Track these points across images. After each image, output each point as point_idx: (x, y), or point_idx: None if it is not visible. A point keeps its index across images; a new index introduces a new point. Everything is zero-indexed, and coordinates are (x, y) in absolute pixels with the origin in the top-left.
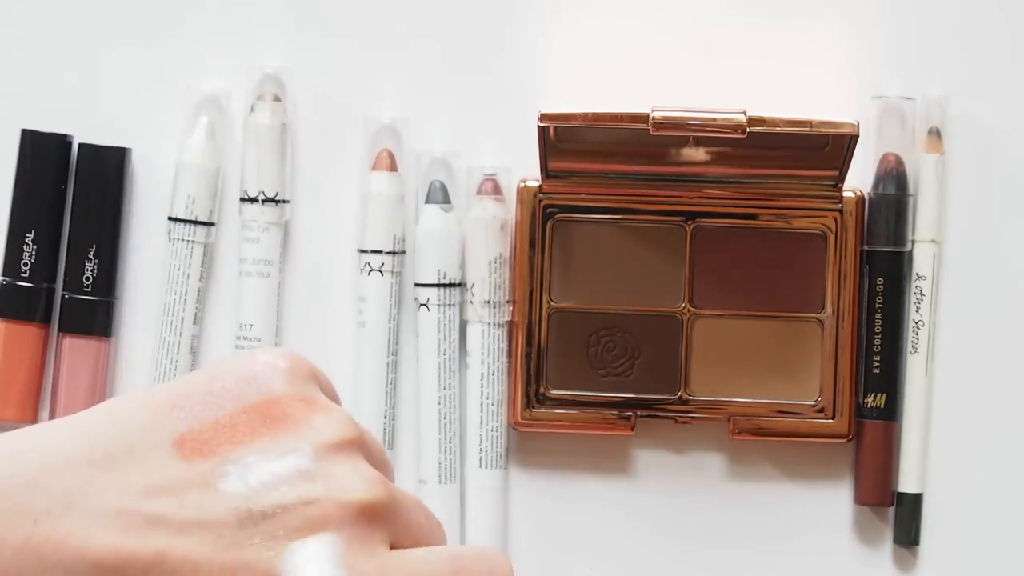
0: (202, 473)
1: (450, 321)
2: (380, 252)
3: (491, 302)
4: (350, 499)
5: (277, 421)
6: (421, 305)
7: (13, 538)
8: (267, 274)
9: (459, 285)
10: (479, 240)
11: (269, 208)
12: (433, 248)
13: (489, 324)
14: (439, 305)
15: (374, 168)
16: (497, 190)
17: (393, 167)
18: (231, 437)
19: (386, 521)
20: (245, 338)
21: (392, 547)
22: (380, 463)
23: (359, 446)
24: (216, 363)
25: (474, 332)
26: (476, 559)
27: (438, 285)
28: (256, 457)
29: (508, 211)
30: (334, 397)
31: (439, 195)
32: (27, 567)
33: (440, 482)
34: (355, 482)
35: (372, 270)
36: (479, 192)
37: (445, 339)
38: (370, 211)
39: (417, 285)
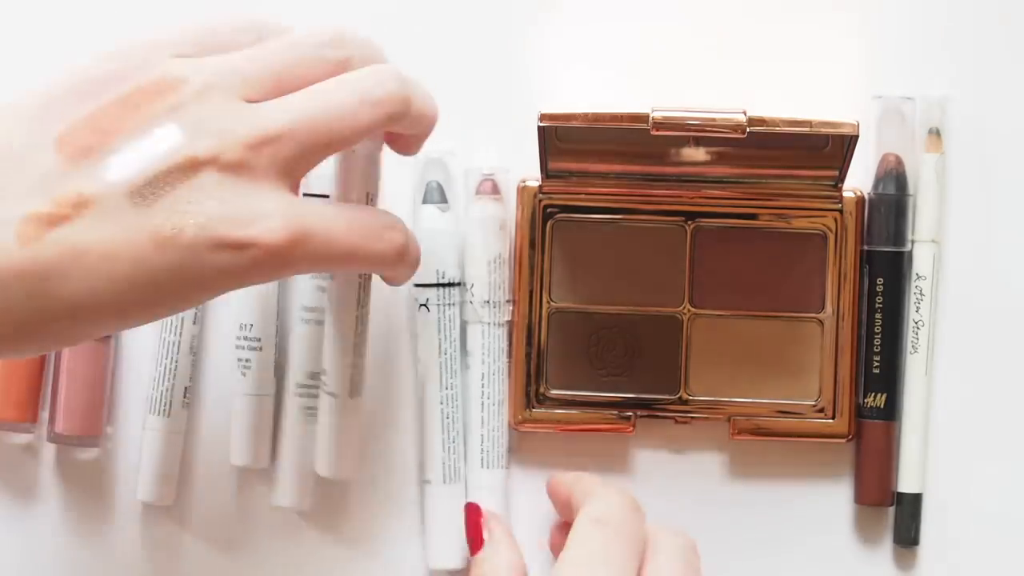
0: (89, 172)
1: (450, 321)
2: None
3: (491, 302)
4: (236, 141)
5: (137, 108)
6: (421, 306)
7: None
8: None
9: (458, 285)
10: (478, 240)
11: None
12: (431, 248)
13: (489, 324)
14: (439, 305)
15: None
16: (495, 190)
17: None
18: (104, 127)
19: (282, 153)
20: (245, 338)
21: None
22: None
23: (232, 89)
24: (74, 65)
25: (474, 332)
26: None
27: (437, 285)
28: (130, 140)
29: (507, 211)
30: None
31: (436, 195)
32: None
33: (444, 482)
34: (222, 126)
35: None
36: (478, 192)
37: (446, 339)
38: None
39: (417, 286)
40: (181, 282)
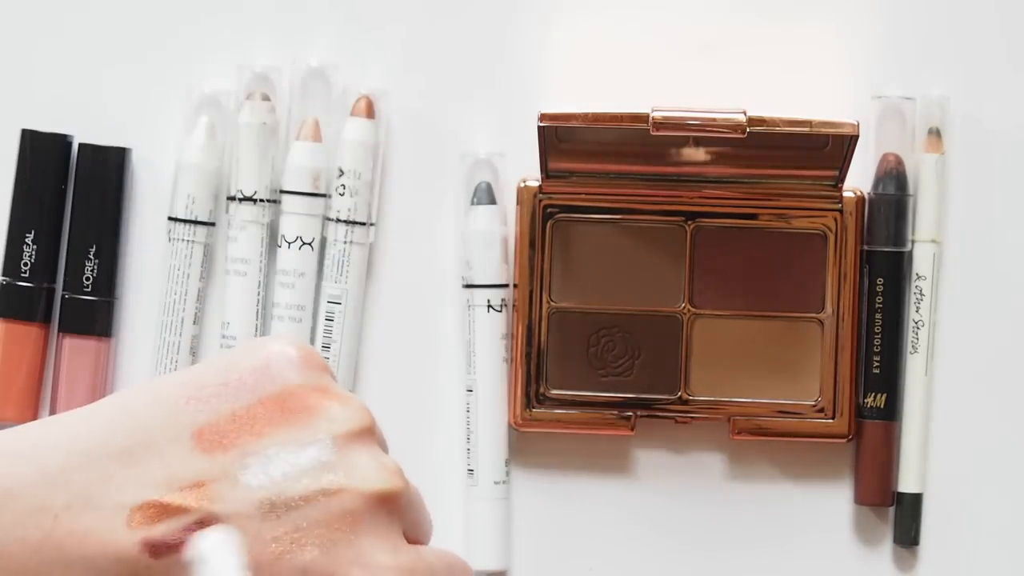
0: (223, 465)
1: (502, 321)
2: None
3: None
4: (371, 489)
5: (295, 412)
6: (479, 307)
7: (33, 535)
8: (244, 273)
9: (506, 286)
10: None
11: (247, 207)
12: (488, 249)
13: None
14: (498, 307)
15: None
16: (491, 196)
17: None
18: (250, 429)
19: (404, 511)
20: (224, 336)
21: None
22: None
23: (375, 435)
24: (228, 354)
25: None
26: (463, 567)
27: (493, 286)
28: (276, 449)
29: (505, 215)
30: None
31: (485, 196)
32: (47, 563)
33: (491, 484)
34: (376, 472)
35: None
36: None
37: (497, 339)
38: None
39: (470, 287)
40: None
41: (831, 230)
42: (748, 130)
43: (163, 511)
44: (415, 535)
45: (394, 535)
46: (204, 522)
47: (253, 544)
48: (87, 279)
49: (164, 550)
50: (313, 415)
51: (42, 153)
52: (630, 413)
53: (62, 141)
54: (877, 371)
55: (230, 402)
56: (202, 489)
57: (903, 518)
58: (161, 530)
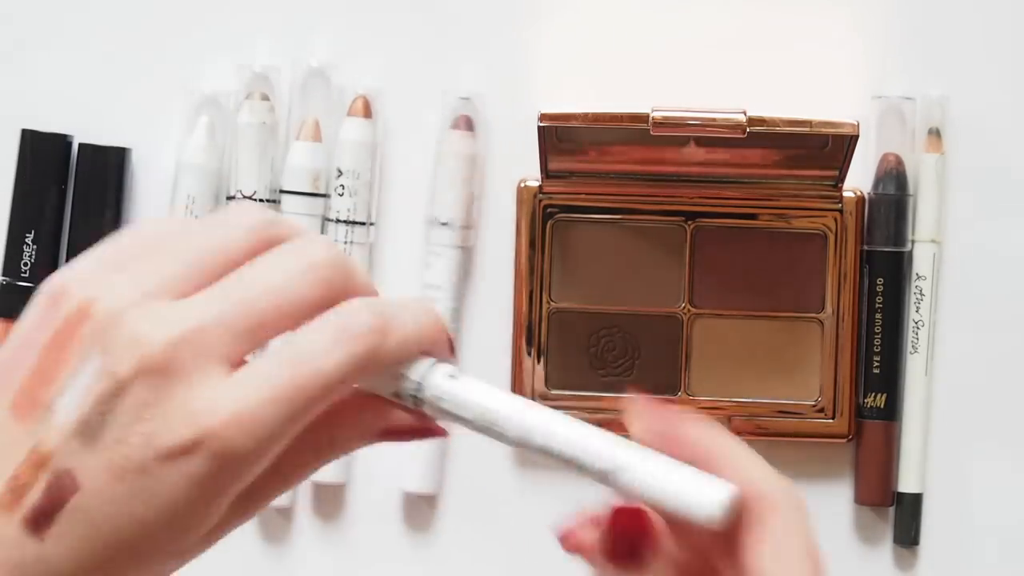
0: (42, 423)
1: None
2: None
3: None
4: (146, 355)
5: (65, 345)
6: None
7: None
8: None
9: None
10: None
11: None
12: None
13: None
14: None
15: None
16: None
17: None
18: (44, 379)
19: (202, 349)
20: None
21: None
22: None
23: (127, 310)
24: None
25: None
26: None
27: None
28: (69, 383)
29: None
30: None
31: None
32: None
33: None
34: (127, 346)
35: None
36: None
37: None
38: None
39: None
40: (159, 511)
41: (831, 230)
42: (748, 130)
43: (20, 488)
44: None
45: (201, 376)
46: (59, 483)
47: (99, 473)
48: None
49: (44, 518)
50: (79, 342)
51: (42, 153)
52: None
53: (62, 141)
54: (877, 371)
55: (25, 366)
56: (37, 455)
57: (903, 518)
58: (31, 502)
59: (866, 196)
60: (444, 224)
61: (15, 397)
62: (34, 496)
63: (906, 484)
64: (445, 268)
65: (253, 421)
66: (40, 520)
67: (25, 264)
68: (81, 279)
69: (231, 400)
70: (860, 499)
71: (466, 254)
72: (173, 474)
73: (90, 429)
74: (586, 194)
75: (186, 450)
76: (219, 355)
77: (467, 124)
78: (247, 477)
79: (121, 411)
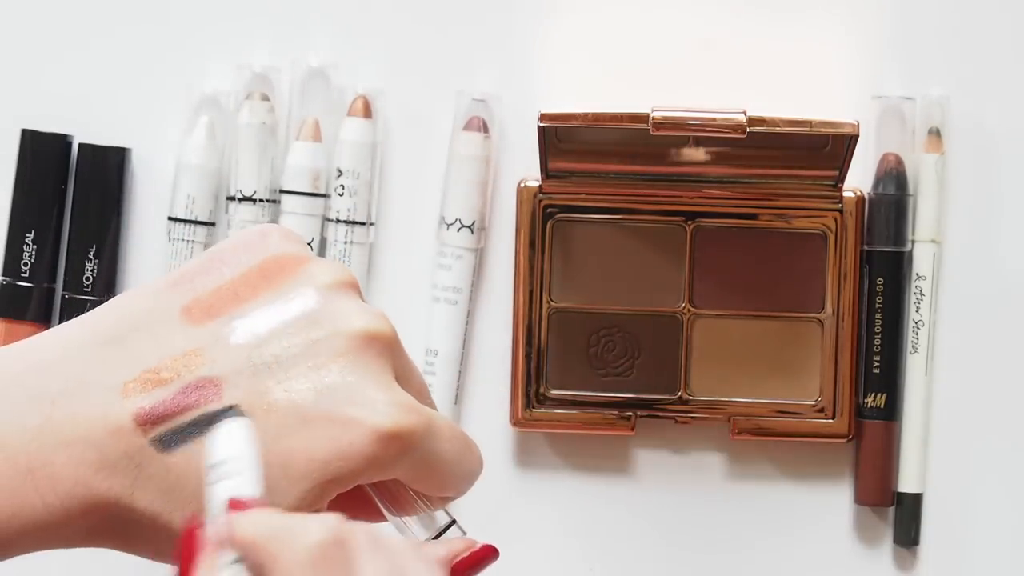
0: (212, 332)
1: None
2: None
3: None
4: (356, 329)
5: (276, 275)
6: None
7: (32, 421)
8: None
9: None
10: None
11: (246, 207)
12: None
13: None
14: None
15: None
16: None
17: None
18: (234, 298)
19: (393, 355)
20: None
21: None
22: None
23: (356, 288)
24: (214, 246)
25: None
26: (466, 436)
27: None
28: (261, 309)
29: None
30: None
31: None
32: (48, 447)
33: None
34: (359, 315)
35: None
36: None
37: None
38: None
39: None
40: (283, 460)
41: (831, 230)
42: (748, 130)
43: (156, 380)
44: (408, 387)
45: (385, 376)
46: (198, 385)
47: (248, 398)
48: (87, 279)
49: (158, 419)
50: (293, 275)
51: (42, 153)
52: (630, 413)
53: (62, 141)
54: (877, 371)
55: (214, 279)
56: (192, 356)
57: (903, 518)
58: (154, 398)
59: (866, 196)
60: (466, 227)
61: (191, 302)
62: (162, 393)
63: (906, 484)
64: (464, 271)
65: (401, 441)
66: (156, 419)
67: (25, 264)
68: (300, 240)
69: (403, 411)
70: (860, 499)
71: (479, 256)
72: (318, 437)
73: (270, 364)
74: (586, 194)
75: (347, 423)
76: (395, 371)
77: (481, 126)
78: (357, 479)
79: (313, 365)
